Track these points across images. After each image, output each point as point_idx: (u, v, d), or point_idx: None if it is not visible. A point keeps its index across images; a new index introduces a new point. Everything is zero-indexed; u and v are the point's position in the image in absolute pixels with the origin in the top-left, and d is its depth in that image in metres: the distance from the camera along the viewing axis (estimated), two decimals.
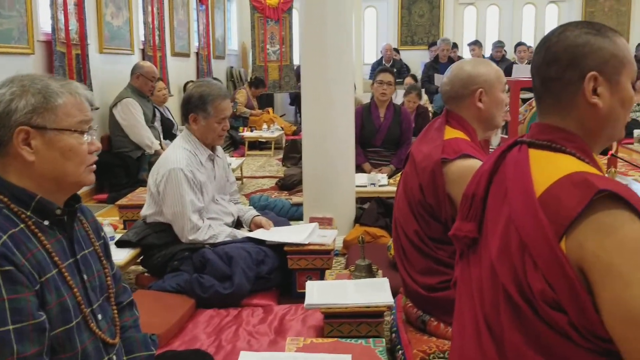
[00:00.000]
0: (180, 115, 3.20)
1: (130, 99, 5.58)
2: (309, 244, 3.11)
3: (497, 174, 1.44)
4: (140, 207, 3.85)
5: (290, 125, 9.88)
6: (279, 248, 3.12)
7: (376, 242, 3.78)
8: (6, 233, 1.37)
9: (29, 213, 1.44)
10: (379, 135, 5.19)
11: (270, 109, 9.89)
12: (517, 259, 1.28)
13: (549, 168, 1.30)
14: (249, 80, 10.34)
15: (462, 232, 1.48)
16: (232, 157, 7.69)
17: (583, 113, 1.33)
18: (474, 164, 2.17)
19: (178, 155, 3.07)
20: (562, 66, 1.32)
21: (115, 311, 1.64)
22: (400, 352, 2.36)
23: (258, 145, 8.42)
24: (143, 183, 5.38)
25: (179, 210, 3.02)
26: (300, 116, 11.48)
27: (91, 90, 5.35)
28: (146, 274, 3.22)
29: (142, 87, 5.76)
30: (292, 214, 4.67)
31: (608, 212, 1.17)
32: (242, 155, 7.87)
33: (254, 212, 3.44)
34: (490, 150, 3.50)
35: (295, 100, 11.78)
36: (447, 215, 2.26)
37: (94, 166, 1.56)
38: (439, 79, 9.73)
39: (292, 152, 7.13)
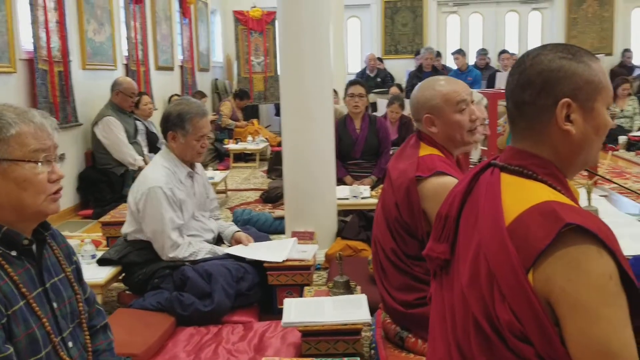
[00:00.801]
0: (159, 132, 3.22)
1: (111, 117, 5.59)
2: (288, 260, 3.13)
3: (471, 195, 1.42)
4: (123, 224, 3.89)
5: (276, 136, 9.88)
6: (258, 264, 3.14)
7: (357, 256, 3.81)
8: None
9: None
10: (357, 147, 5.23)
11: (255, 121, 9.90)
12: (486, 288, 1.26)
13: (519, 196, 1.28)
14: (233, 92, 10.37)
15: (435, 253, 1.48)
16: (217, 169, 7.74)
17: (556, 139, 1.30)
18: (448, 181, 2.20)
19: (157, 173, 3.09)
20: (535, 91, 1.29)
21: (87, 336, 1.65)
22: None
23: (243, 157, 8.43)
24: (126, 198, 5.40)
25: (158, 228, 3.03)
26: None
27: (74, 106, 5.38)
28: (127, 292, 3.23)
29: (122, 104, 5.77)
30: (275, 228, 4.69)
31: (575, 247, 1.15)
32: (227, 168, 7.89)
33: (234, 227, 3.46)
34: (470, 164, 3.55)
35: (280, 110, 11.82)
36: (422, 232, 2.27)
37: (58, 195, 1.55)
38: None
39: (276, 164, 7.13)
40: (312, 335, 2.37)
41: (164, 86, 8.24)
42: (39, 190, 1.49)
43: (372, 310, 2.66)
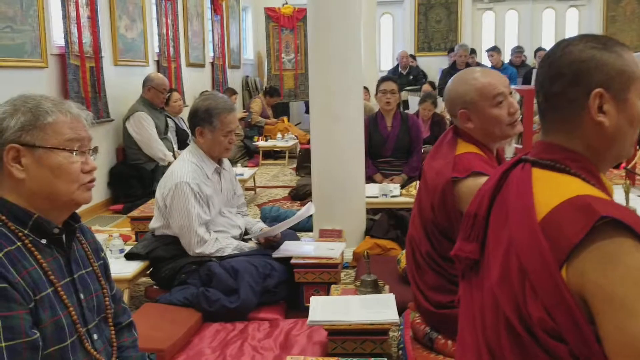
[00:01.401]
0: (188, 128, 3.20)
1: (142, 112, 5.62)
2: (315, 258, 3.09)
3: (500, 193, 1.38)
4: (151, 219, 3.89)
5: (305, 134, 9.84)
6: (285, 261, 3.11)
7: (386, 255, 3.75)
8: (2, 251, 1.38)
9: (26, 231, 1.46)
10: (388, 145, 5.15)
11: (285, 118, 9.89)
12: (517, 285, 1.23)
13: (551, 190, 1.24)
14: (264, 89, 10.37)
15: (464, 253, 1.43)
16: (247, 166, 7.75)
17: (589, 131, 1.26)
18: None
19: (184, 169, 3.07)
20: (566, 82, 1.26)
21: (113, 332, 1.63)
22: None
23: (273, 154, 8.42)
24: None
25: (185, 224, 3.02)
26: None
27: (105, 102, 5.42)
28: (155, 287, 3.22)
29: (154, 100, 5.79)
30: (303, 225, 4.63)
31: (610, 240, 1.11)
32: (257, 165, 7.88)
33: (261, 224, 3.43)
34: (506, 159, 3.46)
35: None
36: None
37: (92, 184, 1.56)
38: None
39: (305, 161, 7.11)
40: (338, 334, 2.32)
41: (194, 83, 8.27)
42: (73, 179, 1.50)
43: (401, 310, 2.61)
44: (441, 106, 7.51)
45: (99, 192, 5.50)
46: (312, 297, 2.58)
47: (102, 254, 1.72)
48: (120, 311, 1.77)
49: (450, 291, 2.26)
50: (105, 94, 5.54)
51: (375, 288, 2.60)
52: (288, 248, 3.20)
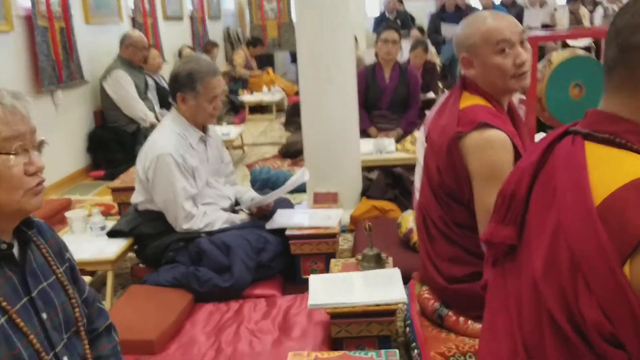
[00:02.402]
0: (169, 92, 2.95)
1: (120, 70, 5.33)
2: (311, 228, 2.90)
3: (543, 170, 1.18)
4: (134, 189, 3.67)
5: (292, 85, 9.56)
6: (280, 233, 2.91)
7: (385, 217, 3.57)
8: None
9: None
10: (385, 98, 4.90)
11: (270, 69, 9.56)
12: (567, 279, 1.05)
13: (611, 169, 1.06)
14: (246, 40, 10.00)
15: (498, 237, 1.25)
16: (233, 123, 7.48)
17: None
18: (494, 135, 1.94)
19: (166, 139, 2.84)
20: None
21: (87, 345, 1.42)
22: (416, 351, 2.15)
23: (259, 108, 8.13)
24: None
25: (170, 199, 2.80)
26: None
27: (78, 64, 5.11)
28: (141, 265, 3.03)
29: (132, 58, 5.49)
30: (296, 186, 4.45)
31: None
32: (243, 121, 7.62)
33: (252, 193, 3.21)
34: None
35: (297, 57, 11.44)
36: (470, 197, 2.02)
37: (40, 187, 1.31)
38: (446, 29, 9.36)
39: (294, 115, 6.84)
40: (342, 317, 2.14)
41: (173, 38, 7.90)
42: (15, 186, 1.25)
43: (405, 279, 2.43)
44: (432, 52, 7.25)
45: (79, 159, 5.26)
46: (311, 276, 2.38)
47: (67, 255, 1.48)
48: (96, 314, 1.55)
49: (465, 262, 2.09)
50: (78, 55, 5.22)
51: (379, 262, 2.41)
52: (282, 218, 3.00)
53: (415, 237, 3.00)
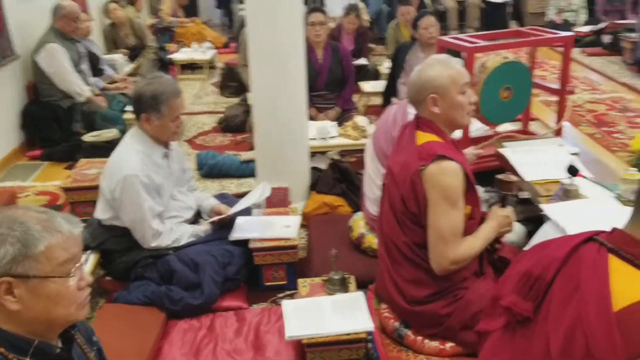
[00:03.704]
0: (133, 112, 2.99)
1: (54, 44, 5.12)
2: (274, 239, 3.08)
3: (568, 265, 1.47)
4: (87, 188, 3.71)
5: (220, 37, 9.43)
6: (242, 243, 3.08)
7: (334, 213, 3.78)
8: None
9: (27, 359, 1.38)
10: (321, 78, 5.02)
11: (198, 20, 9.36)
12: None
13: (630, 285, 1.33)
14: None
15: (519, 308, 1.54)
16: None
17: None
18: (448, 165, 2.27)
19: (131, 159, 2.90)
20: None
21: None
22: None
23: (188, 65, 7.97)
24: (77, 135, 5.12)
25: (138, 218, 2.90)
26: (230, 19, 11.01)
27: (8, 38, 4.91)
28: (108, 278, 3.13)
29: (65, 29, 5.27)
30: (243, 171, 4.59)
31: None
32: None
33: (212, 200, 3.34)
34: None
35: (222, 1, 11.19)
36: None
37: (87, 299, 1.47)
38: None
39: (229, 80, 6.87)
40: (316, 346, 2.38)
41: None
42: (71, 302, 1.41)
43: (359, 283, 2.72)
44: (365, 18, 7.34)
45: (12, 138, 5.11)
46: (283, 301, 2.59)
47: (95, 338, 1.65)
48: None
49: (426, 284, 2.40)
50: (7, 28, 5.00)
51: (344, 285, 2.65)
52: (244, 229, 3.15)
53: (366, 242, 3.25)
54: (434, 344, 2.42)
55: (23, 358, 1.37)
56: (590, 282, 1.39)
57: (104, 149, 4.78)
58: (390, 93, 5.29)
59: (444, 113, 2.36)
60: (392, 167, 2.47)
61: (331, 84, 5.05)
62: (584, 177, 2.67)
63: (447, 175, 2.25)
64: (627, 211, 2.58)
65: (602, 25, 8.38)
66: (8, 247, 1.33)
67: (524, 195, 3.02)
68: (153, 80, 2.94)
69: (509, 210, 2.43)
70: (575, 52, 7.90)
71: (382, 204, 2.57)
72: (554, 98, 5.56)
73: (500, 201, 2.40)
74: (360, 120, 4.66)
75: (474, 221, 2.38)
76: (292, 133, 3.90)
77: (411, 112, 3.11)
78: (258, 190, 3.26)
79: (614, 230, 1.47)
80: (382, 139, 3.22)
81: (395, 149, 2.55)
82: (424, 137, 2.38)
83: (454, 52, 4.21)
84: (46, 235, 1.36)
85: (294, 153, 3.95)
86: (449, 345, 2.41)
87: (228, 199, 3.51)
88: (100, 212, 3.04)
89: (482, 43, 3.65)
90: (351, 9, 6.73)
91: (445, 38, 3.96)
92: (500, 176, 2.35)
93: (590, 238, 1.49)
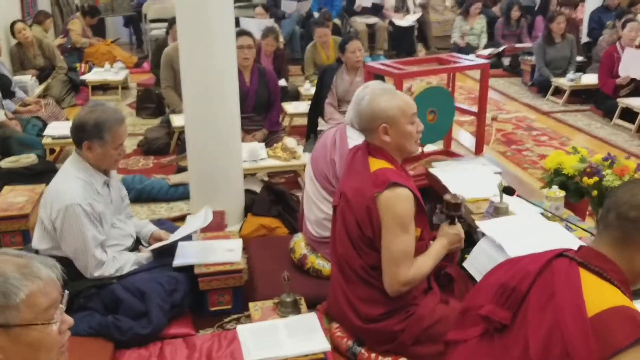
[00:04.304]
0: (73, 139, 2.93)
1: None
2: (219, 264, 3.10)
3: (541, 277, 1.65)
4: (15, 217, 3.58)
5: (130, 56, 9.28)
6: (186, 269, 3.08)
7: (271, 235, 3.84)
8: None
9: None
10: (249, 102, 5.07)
11: (108, 40, 9.17)
12: None
13: (600, 294, 1.53)
14: (77, 5, 9.44)
15: (496, 317, 1.70)
16: (75, 104, 7.18)
17: (638, 259, 1.57)
18: (401, 192, 2.40)
19: (73, 188, 2.84)
20: None
21: None
22: None
23: (99, 86, 7.76)
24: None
25: (80, 248, 2.84)
26: (138, 38, 10.82)
27: None
28: None
29: None
30: (172, 195, 4.56)
31: None
32: (86, 101, 7.33)
33: (151, 227, 3.32)
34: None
35: (130, 21, 11.01)
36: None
37: (67, 342, 1.46)
38: (286, 5, 9.60)
39: (146, 101, 6.77)
40: None
41: (3, 13, 7.27)
42: (52, 348, 1.40)
43: (307, 305, 2.79)
44: (280, 39, 7.46)
45: None
46: (238, 326, 2.63)
47: None
48: None
49: (380, 303, 2.50)
50: None
51: (296, 307, 2.71)
52: (186, 255, 3.15)
53: (309, 263, 3.33)
54: (388, 359, 2.53)
55: None
56: (564, 292, 1.57)
57: (23, 176, 4.65)
58: (315, 114, 5.41)
59: (394, 141, 2.50)
60: (345, 191, 2.56)
61: (258, 107, 5.12)
62: (520, 196, 2.87)
63: (400, 202, 2.39)
64: (553, 226, 2.85)
65: (501, 48, 8.92)
66: None
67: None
68: (95, 108, 2.91)
69: (458, 228, 2.57)
70: (478, 74, 8.36)
71: (334, 226, 2.66)
72: (466, 118, 5.97)
73: (448, 220, 2.54)
74: (289, 141, 4.75)
75: (422, 242, 2.52)
76: (226, 154, 3.92)
77: (351, 136, 3.25)
78: (201, 216, 3.27)
79: (581, 247, 1.68)
80: (322, 161, 3.33)
81: (347, 172, 2.64)
82: (376, 164, 2.50)
83: (379, 76, 4.41)
84: (26, 283, 1.35)
85: (228, 175, 3.97)
86: None
87: (166, 224, 3.50)
88: (38, 242, 2.95)
89: (408, 69, 3.84)
90: (269, 31, 6.84)
91: (372, 64, 4.12)
92: (447, 197, 2.49)
93: (561, 254, 1.67)
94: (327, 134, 3.44)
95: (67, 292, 1.46)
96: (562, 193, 2.98)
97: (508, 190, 2.84)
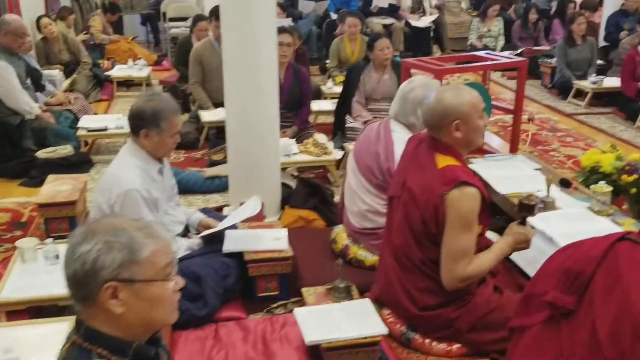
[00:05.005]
0: (130, 127, 3.01)
1: (2, 62, 4.98)
2: (267, 251, 3.17)
3: (606, 260, 1.69)
4: (63, 204, 3.67)
5: (150, 54, 9.36)
6: (236, 255, 3.16)
7: (309, 227, 3.91)
8: None
9: None
10: (282, 98, 5.08)
11: (129, 38, 9.26)
12: (629, 345, 1.57)
13: None
14: (100, 3, 9.53)
15: (562, 302, 1.74)
16: (101, 99, 7.27)
17: None
18: (470, 191, 2.44)
19: (131, 174, 2.93)
20: None
21: None
22: None
23: (123, 82, 7.86)
24: (29, 152, 4.99)
25: None
26: (154, 36, 10.92)
27: None
28: None
29: (12, 45, 5.14)
30: (207, 188, 4.64)
31: None
32: (111, 97, 7.44)
33: (199, 214, 3.40)
34: None
35: (148, 19, 11.09)
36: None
37: (178, 302, 1.54)
38: (303, 5, 9.70)
39: (174, 98, 6.82)
40: (335, 349, 2.50)
41: (29, 9, 7.35)
42: (169, 305, 1.49)
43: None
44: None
45: None
46: (295, 309, 2.71)
47: (163, 342, 1.69)
48: None
49: (437, 293, 2.56)
50: None
51: (348, 293, 2.79)
52: (236, 242, 3.23)
53: (351, 254, 3.39)
54: (442, 345, 2.61)
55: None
56: (631, 276, 1.62)
57: (60, 166, 4.74)
58: (342, 111, 5.49)
59: (464, 137, 2.54)
60: (412, 187, 2.60)
61: (290, 104, 5.20)
62: (577, 188, 2.94)
63: (467, 201, 2.43)
64: (601, 220, 2.92)
65: (518, 51, 9.00)
66: (116, 253, 1.40)
67: None
68: (152, 97, 2.99)
69: (527, 228, 2.57)
70: (496, 76, 8.47)
71: (390, 216, 2.72)
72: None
73: (520, 221, 2.57)
74: (320, 137, 4.84)
75: (481, 237, 2.57)
76: (265, 148, 3.99)
77: (395, 129, 3.33)
78: (250, 205, 3.34)
79: None
80: (366, 154, 3.39)
81: (409, 165, 2.68)
82: (444, 161, 2.54)
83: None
84: (149, 241, 1.44)
85: (266, 168, 4.05)
86: (455, 346, 2.61)
87: (211, 213, 3.57)
88: None
89: (447, 65, 3.92)
90: (292, 30, 6.91)
91: (410, 60, 4.20)
92: (521, 198, 2.53)
93: (622, 237, 1.72)
94: (370, 127, 3.51)
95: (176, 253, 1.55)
96: (610, 188, 3.04)
97: (565, 183, 2.91)
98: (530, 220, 2.86)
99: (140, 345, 1.46)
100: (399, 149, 3.24)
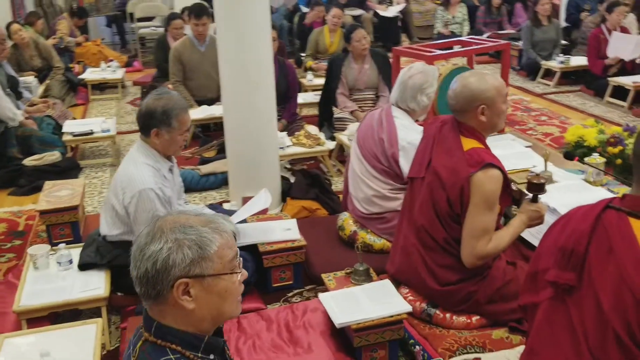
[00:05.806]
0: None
1: None
2: (281, 242, 3.24)
3: (596, 234, 1.74)
4: (64, 210, 3.66)
5: (120, 55, 9.28)
6: (250, 248, 3.21)
7: (314, 216, 3.99)
8: None
9: (199, 355, 1.48)
10: None
11: (98, 40, 9.15)
12: (632, 314, 1.63)
13: None
14: (66, 7, 9.40)
15: (562, 279, 1.80)
16: (76, 104, 7.20)
17: None
18: (493, 173, 2.54)
19: (144, 174, 2.95)
20: None
21: None
22: (417, 347, 2.69)
23: (96, 85, 7.78)
24: (15, 161, 4.94)
25: None
26: (120, 37, 10.80)
27: None
28: (119, 294, 3.13)
29: None
30: (203, 185, 4.67)
31: None
32: (86, 101, 7.37)
33: (208, 210, 3.43)
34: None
35: (114, 20, 10.97)
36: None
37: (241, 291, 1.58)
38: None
39: None
40: (363, 330, 2.58)
41: None
42: (235, 297, 1.52)
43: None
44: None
45: None
46: (320, 294, 2.78)
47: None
48: None
49: (458, 269, 2.67)
50: None
51: (368, 275, 2.88)
52: (248, 234, 3.28)
53: (360, 239, 3.47)
54: (462, 318, 2.72)
55: (196, 354, 1.47)
56: (621, 246, 1.68)
57: (49, 172, 4.71)
58: (327, 103, 5.56)
59: (489, 121, 2.64)
60: (438, 169, 2.67)
61: (277, 97, 5.20)
62: (580, 161, 3.07)
63: (491, 182, 2.53)
64: (597, 189, 3.07)
65: (484, 35, 9.19)
66: (186, 250, 1.42)
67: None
68: (161, 95, 3.01)
69: (539, 205, 2.66)
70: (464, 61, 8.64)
71: (413, 196, 2.79)
72: None
73: (531, 199, 2.67)
74: (311, 129, 4.91)
75: (500, 216, 2.68)
76: (264, 140, 4.05)
77: (396, 115, 3.42)
78: (261, 199, 3.39)
79: (625, 196, 1.76)
80: (370, 141, 3.48)
81: (435, 149, 2.75)
82: (468, 143, 2.64)
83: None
84: (216, 236, 1.47)
85: (266, 160, 4.10)
86: (474, 318, 2.71)
87: (219, 209, 3.62)
88: (108, 229, 3.06)
89: (436, 52, 4.03)
90: (273, 24, 6.95)
91: (401, 48, 4.30)
92: (530, 177, 2.63)
93: (607, 206, 1.77)
94: (372, 115, 3.59)
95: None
96: (602, 160, 3.19)
97: (569, 156, 3.04)
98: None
99: (211, 339, 1.50)
100: (402, 134, 3.34)
